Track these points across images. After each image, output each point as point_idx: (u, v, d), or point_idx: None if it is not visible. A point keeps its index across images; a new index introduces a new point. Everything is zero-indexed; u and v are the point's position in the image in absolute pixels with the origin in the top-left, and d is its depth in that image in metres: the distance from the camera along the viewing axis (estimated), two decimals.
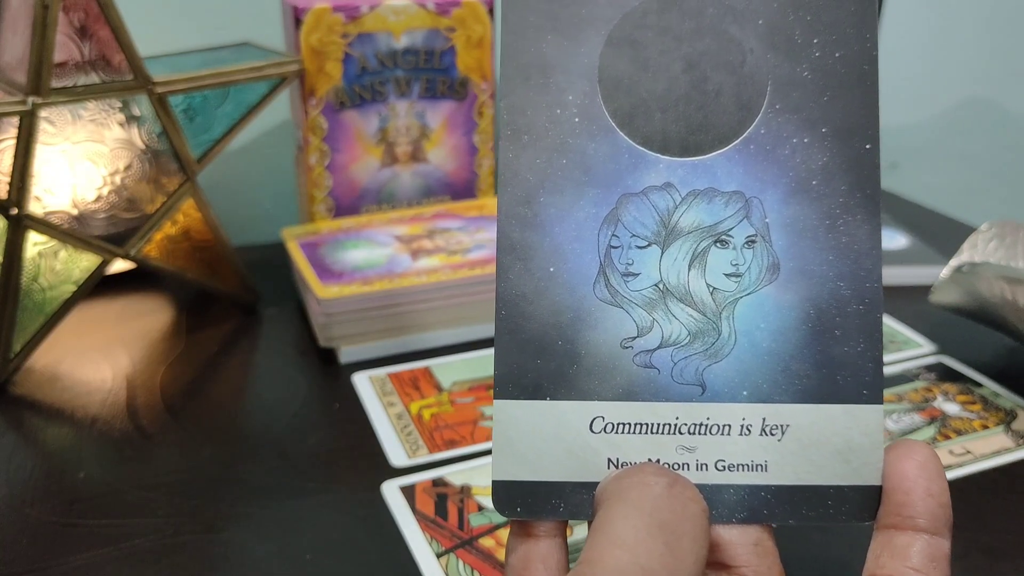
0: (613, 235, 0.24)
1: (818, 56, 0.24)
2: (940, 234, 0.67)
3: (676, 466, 0.24)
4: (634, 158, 0.24)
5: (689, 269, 0.24)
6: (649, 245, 0.24)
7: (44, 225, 0.46)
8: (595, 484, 0.24)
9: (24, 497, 0.38)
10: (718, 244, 0.24)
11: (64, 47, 0.44)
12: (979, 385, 0.48)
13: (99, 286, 0.50)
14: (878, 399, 0.24)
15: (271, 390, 0.48)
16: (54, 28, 0.42)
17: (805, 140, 0.24)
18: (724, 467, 0.24)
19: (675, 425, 0.24)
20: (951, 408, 0.45)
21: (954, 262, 0.46)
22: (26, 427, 0.44)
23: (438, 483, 0.39)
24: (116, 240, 0.49)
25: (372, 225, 0.57)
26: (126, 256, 0.50)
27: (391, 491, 0.39)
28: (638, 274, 0.24)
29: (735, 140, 0.24)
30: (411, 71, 0.58)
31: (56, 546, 0.36)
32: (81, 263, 0.48)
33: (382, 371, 0.49)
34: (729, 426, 0.24)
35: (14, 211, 0.45)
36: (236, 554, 0.36)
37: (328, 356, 0.50)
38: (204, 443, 0.42)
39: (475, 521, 0.37)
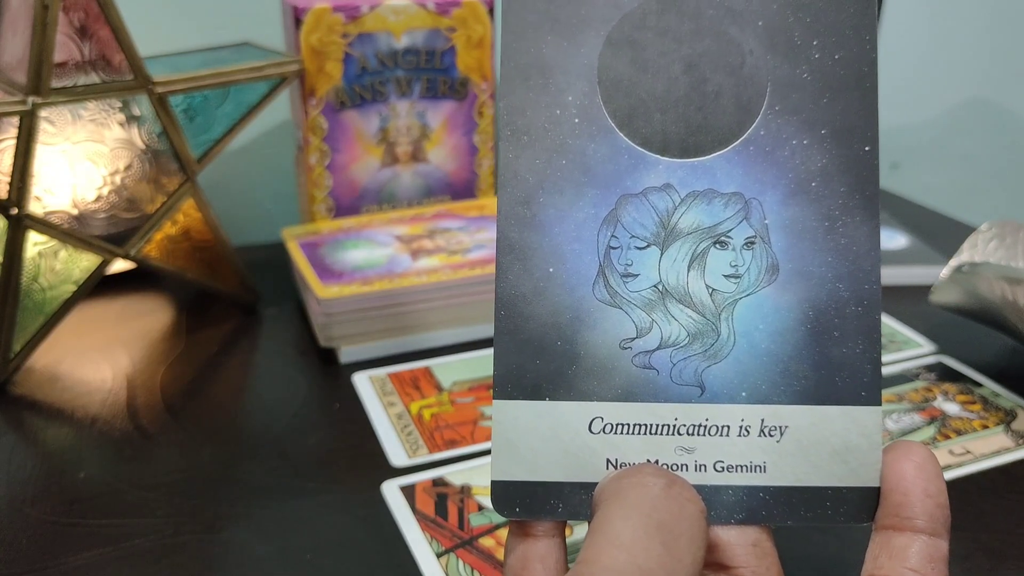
0: (612, 236, 0.24)
1: (817, 58, 0.24)
2: (940, 234, 0.67)
3: (675, 467, 0.24)
4: (633, 159, 0.24)
5: (688, 270, 0.24)
6: (648, 246, 0.24)
7: (44, 225, 0.46)
8: (594, 484, 0.24)
9: (24, 497, 0.38)
10: (717, 245, 0.24)
11: (64, 47, 0.44)
12: (979, 385, 0.48)
13: (99, 286, 0.50)
14: (876, 400, 0.24)
15: (271, 390, 0.48)
16: (54, 28, 0.42)
17: (804, 142, 0.24)
18: (723, 468, 0.24)
19: (674, 426, 0.24)
20: (951, 408, 0.45)
21: (954, 262, 0.46)
22: (26, 427, 0.44)
23: (438, 483, 0.39)
24: (116, 240, 0.49)
25: (372, 225, 0.57)
26: (126, 256, 0.50)
27: (391, 491, 0.39)
28: (637, 275, 0.24)
29: (735, 141, 0.24)
30: (411, 71, 0.58)
31: (56, 546, 0.36)
32: (81, 263, 0.48)
33: (382, 371, 0.49)
34: (728, 427, 0.24)
35: (14, 211, 0.45)
36: (236, 554, 0.36)
37: (328, 356, 0.50)
38: (204, 443, 0.42)
39: (475, 521, 0.37)
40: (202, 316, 0.55)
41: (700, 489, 0.23)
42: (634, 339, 0.24)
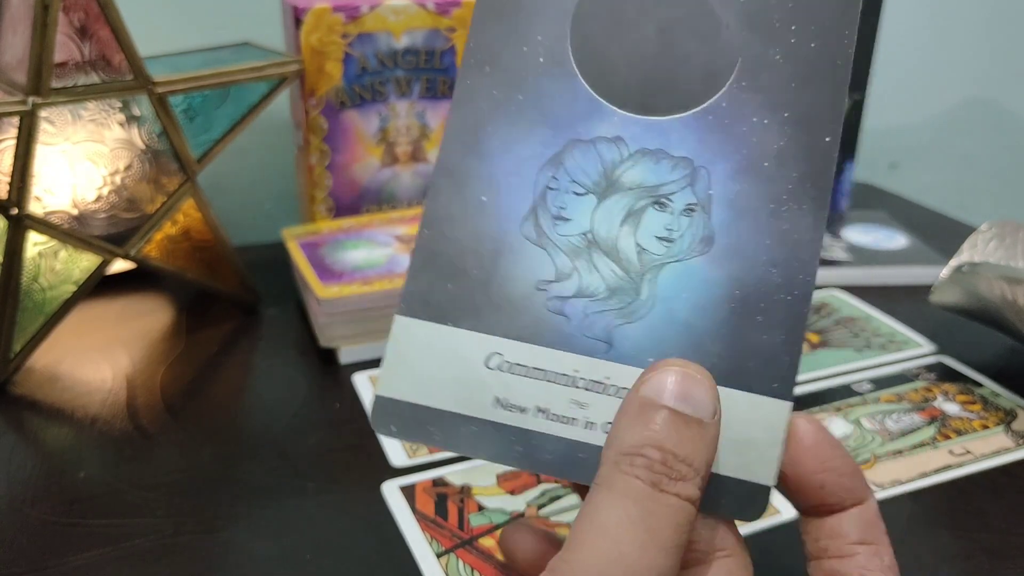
0: (553, 177, 0.24)
1: (794, 43, 0.24)
2: (940, 234, 0.67)
3: (563, 419, 0.23)
4: (590, 106, 0.24)
5: (621, 225, 0.24)
6: (587, 194, 0.24)
7: (44, 225, 0.46)
8: (474, 419, 0.23)
9: (24, 497, 0.38)
10: (656, 206, 0.24)
11: (64, 47, 0.44)
12: (979, 385, 0.48)
13: (99, 286, 0.50)
14: (788, 396, 0.23)
15: (271, 390, 0.48)
16: (54, 28, 0.42)
17: (765, 121, 0.24)
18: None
19: (572, 377, 0.23)
20: (951, 408, 0.45)
21: (954, 262, 0.46)
22: (26, 427, 0.44)
23: (438, 483, 0.39)
24: (116, 240, 0.49)
25: (372, 225, 0.57)
26: (126, 256, 0.50)
27: (391, 491, 0.39)
28: (569, 220, 0.24)
29: (695, 108, 0.24)
30: (411, 71, 0.58)
31: (56, 546, 0.36)
32: (81, 263, 0.48)
33: None
34: (627, 390, 0.23)
35: (14, 211, 0.45)
36: (236, 554, 0.36)
37: (328, 356, 0.50)
38: (204, 443, 0.42)
39: (475, 521, 0.37)
40: (202, 316, 0.55)
41: (580, 448, 0.23)
42: (551, 282, 0.24)
